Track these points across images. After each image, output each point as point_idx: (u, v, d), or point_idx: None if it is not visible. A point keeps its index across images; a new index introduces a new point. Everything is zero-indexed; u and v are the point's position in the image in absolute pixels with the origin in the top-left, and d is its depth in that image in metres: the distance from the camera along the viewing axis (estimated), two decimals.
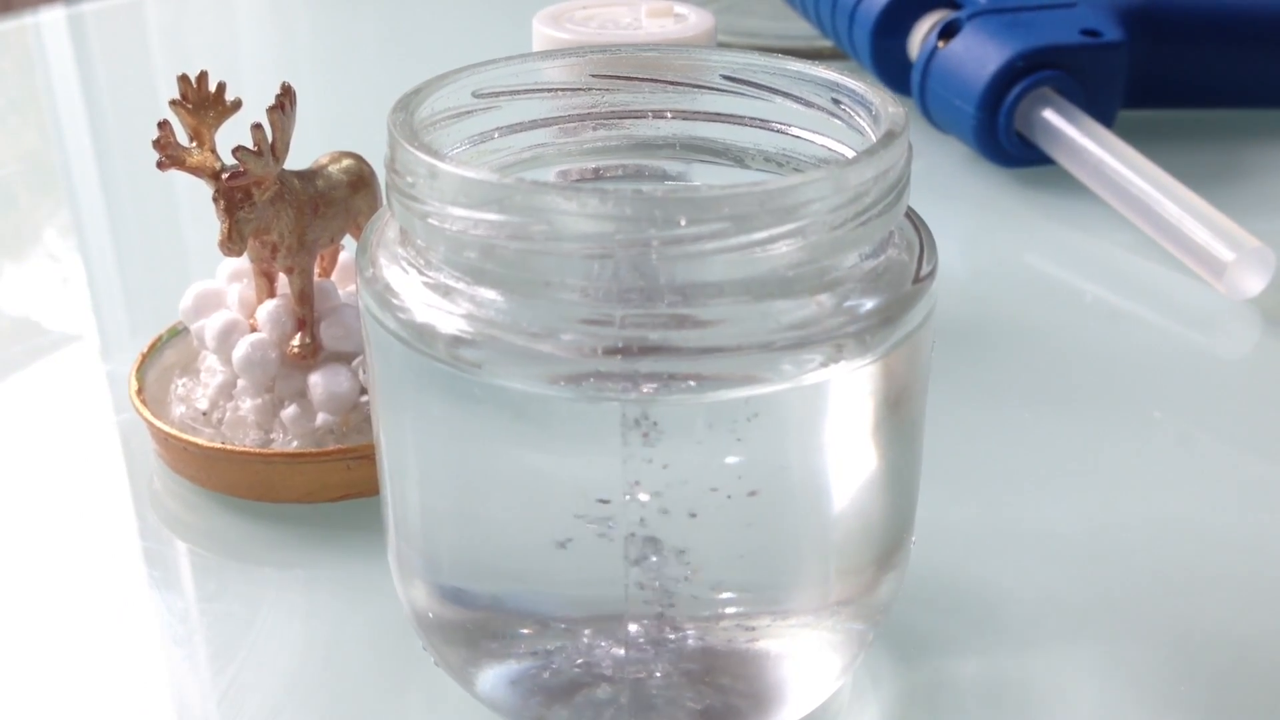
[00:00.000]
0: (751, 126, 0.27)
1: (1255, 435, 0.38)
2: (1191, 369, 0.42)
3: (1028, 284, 0.47)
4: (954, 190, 0.54)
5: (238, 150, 0.31)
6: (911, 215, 0.25)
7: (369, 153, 0.36)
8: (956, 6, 0.56)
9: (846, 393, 0.23)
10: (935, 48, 0.55)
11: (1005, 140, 0.53)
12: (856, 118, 0.25)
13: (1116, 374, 0.41)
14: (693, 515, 0.23)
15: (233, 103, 0.34)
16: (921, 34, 0.57)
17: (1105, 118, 0.53)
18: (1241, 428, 0.39)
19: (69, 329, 0.46)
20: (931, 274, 0.24)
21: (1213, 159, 0.56)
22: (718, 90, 0.27)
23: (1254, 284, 0.44)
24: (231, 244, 0.32)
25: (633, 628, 0.24)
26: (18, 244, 0.54)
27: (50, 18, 0.80)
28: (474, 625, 0.26)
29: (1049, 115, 0.52)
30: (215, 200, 0.32)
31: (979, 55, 0.53)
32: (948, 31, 0.55)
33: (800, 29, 0.67)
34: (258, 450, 0.34)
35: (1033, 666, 0.29)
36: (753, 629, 0.25)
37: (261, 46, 0.82)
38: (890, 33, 0.58)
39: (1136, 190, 0.48)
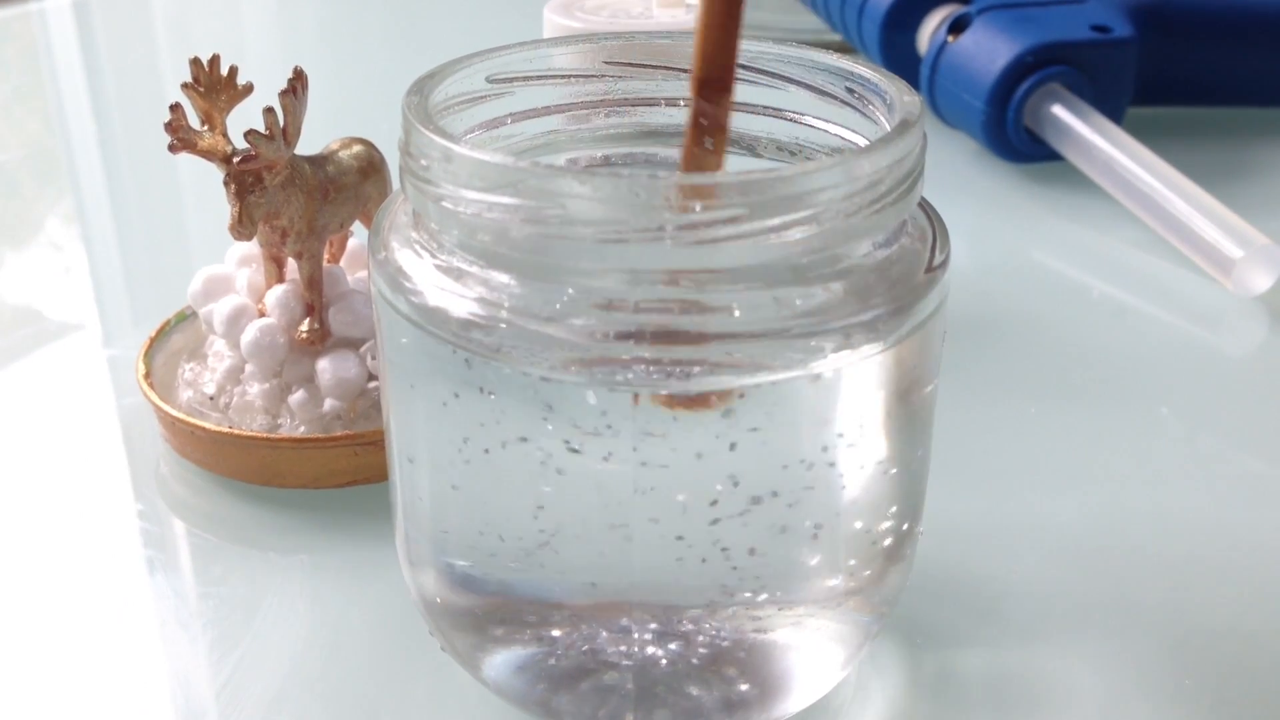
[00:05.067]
0: (764, 115, 0.27)
1: (1261, 432, 0.38)
2: (1198, 366, 0.42)
3: (1035, 279, 0.47)
4: (962, 185, 0.54)
5: (250, 134, 0.31)
6: (924, 205, 0.25)
7: (380, 139, 0.36)
8: (966, 1, 0.56)
9: (857, 381, 0.23)
10: (945, 42, 0.55)
11: (1014, 136, 0.53)
12: (870, 106, 0.25)
13: (1123, 370, 0.41)
14: (701, 503, 0.23)
15: (244, 87, 0.33)
16: (931, 28, 0.57)
17: (1114, 114, 0.53)
18: (1247, 424, 0.39)
19: (72, 316, 0.46)
20: (944, 264, 0.24)
21: (1221, 156, 0.56)
22: None
23: (1262, 281, 0.44)
24: (241, 228, 0.32)
25: (640, 616, 0.24)
26: (21, 232, 0.54)
27: (55, 4, 0.80)
28: (481, 611, 0.25)
29: (1058, 111, 0.52)
30: (226, 184, 0.32)
31: (988, 50, 0.53)
32: (957, 26, 0.55)
33: (809, 23, 0.67)
34: (265, 435, 0.34)
35: (1038, 659, 0.29)
36: (759, 618, 0.25)
37: (268, 34, 0.82)
38: (899, 27, 0.58)
39: (1145, 187, 0.48)
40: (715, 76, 0.24)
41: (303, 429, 0.34)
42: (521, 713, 0.27)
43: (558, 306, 0.22)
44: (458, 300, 0.22)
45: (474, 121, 0.26)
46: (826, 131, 0.27)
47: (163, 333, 0.37)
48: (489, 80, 0.26)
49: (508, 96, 0.27)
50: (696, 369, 0.21)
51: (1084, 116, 0.52)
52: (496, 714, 0.27)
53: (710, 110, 0.24)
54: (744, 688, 0.25)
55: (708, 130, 0.24)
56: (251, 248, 0.36)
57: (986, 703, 0.28)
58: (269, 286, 0.35)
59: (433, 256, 0.23)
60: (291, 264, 0.35)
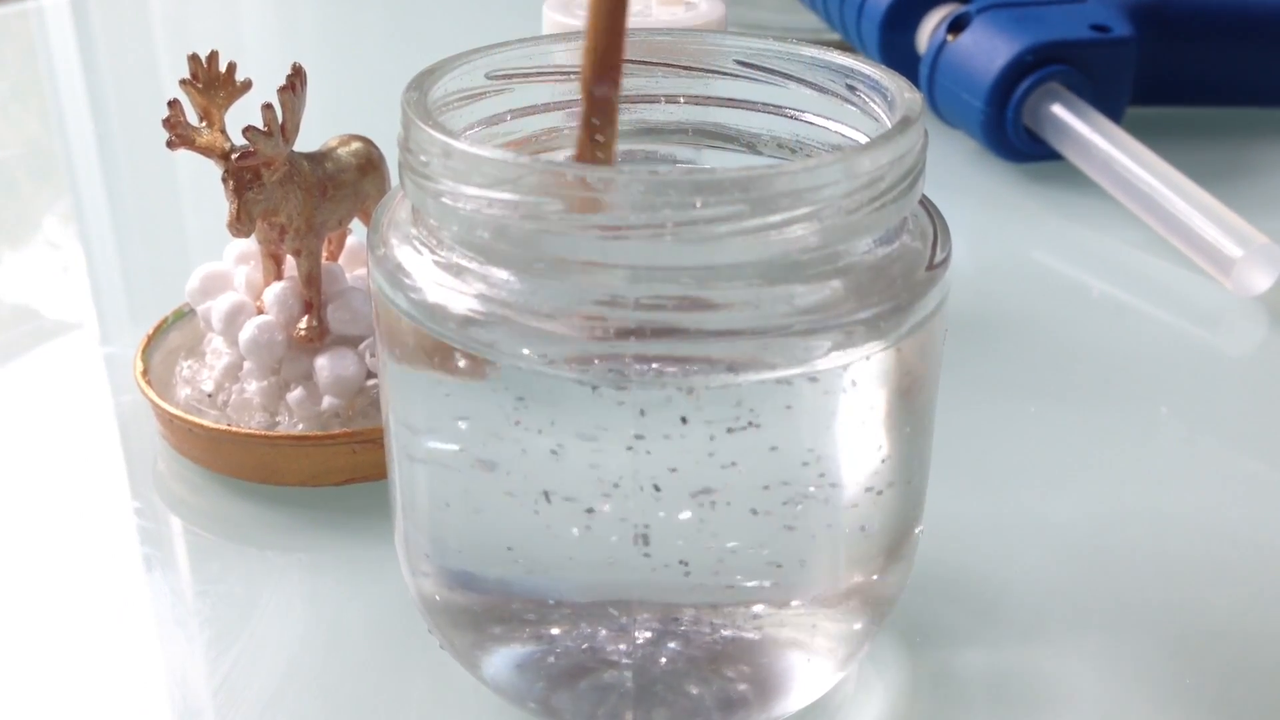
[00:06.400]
0: (765, 112, 0.27)
1: (1261, 431, 0.38)
2: (1198, 365, 0.42)
3: (1035, 279, 0.47)
4: (961, 185, 0.54)
5: (248, 130, 0.31)
6: (926, 203, 0.25)
7: (379, 136, 0.36)
8: (965, 0, 0.56)
9: (857, 379, 0.23)
10: (944, 41, 0.55)
11: (1013, 135, 0.53)
12: (871, 104, 0.25)
13: (1123, 369, 0.41)
14: (701, 501, 0.23)
15: (243, 83, 0.33)
16: (930, 27, 0.57)
17: (1114, 113, 0.53)
18: (1247, 424, 0.39)
19: (69, 314, 0.46)
20: (945, 262, 0.24)
21: (1221, 156, 0.56)
22: (731, 75, 0.27)
23: (1262, 281, 0.44)
24: (239, 225, 0.32)
25: (639, 614, 0.24)
26: (19, 230, 0.54)
27: (53, 2, 0.80)
28: (480, 609, 0.25)
29: (1057, 110, 0.52)
30: (224, 181, 0.32)
31: (988, 49, 0.53)
32: (956, 25, 0.55)
33: (808, 22, 0.67)
34: (263, 433, 0.33)
35: (1038, 658, 0.29)
36: (759, 617, 0.25)
37: (266, 32, 0.82)
38: (899, 26, 0.58)
39: (1145, 186, 0.48)
40: (606, 73, 0.24)
41: (301, 427, 0.34)
42: (520, 711, 0.27)
43: (557, 303, 0.22)
44: (457, 297, 0.22)
45: (473, 118, 0.26)
46: (827, 129, 0.27)
47: (160, 330, 0.37)
48: (488, 77, 0.26)
49: (507, 93, 0.27)
50: (697, 366, 0.21)
51: (1083, 116, 0.51)
52: (495, 712, 0.27)
53: (601, 106, 0.24)
54: (743, 687, 0.25)
55: (599, 129, 0.24)
56: (250, 245, 0.36)
57: (986, 702, 0.28)
58: (267, 284, 0.35)
59: (432, 253, 0.23)
60: (290, 261, 0.35)
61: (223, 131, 0.33)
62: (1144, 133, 0.51)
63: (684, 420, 0.22)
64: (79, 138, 0.63)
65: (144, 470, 0.35)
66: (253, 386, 0.34)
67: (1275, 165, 0.56)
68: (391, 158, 0.28)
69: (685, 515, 0.23)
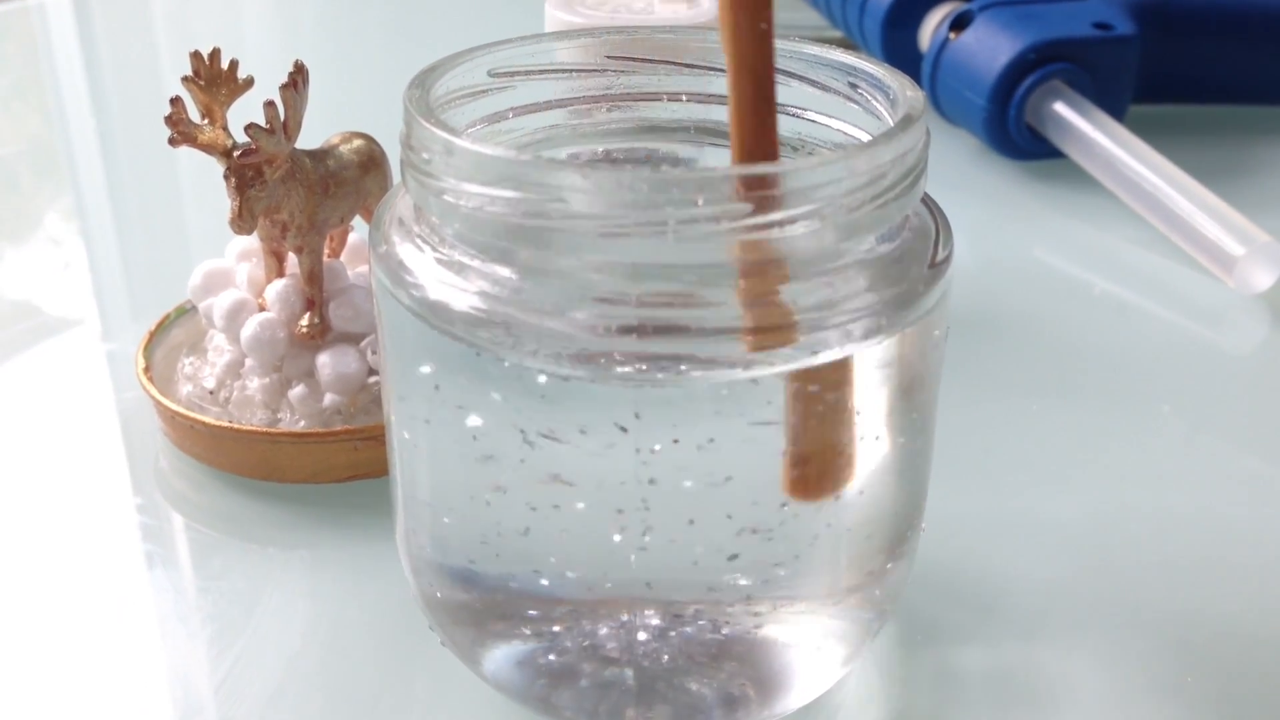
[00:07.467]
0: None
1: (1262, 429, 0.38)
2: (1200, 363, 0.42)
3: (1037, 277, 0.47)
4: (963, 183, 0.54)
5: (250, 127, 0.31)
6: (927, 201, 0.25)
7: (381, 134, 0.36)
8: None
9: (859, 377, 0.23)
10: (946, 39, 0.55)
11: (1015, 133, 0.53)
12: (873, 102, 0.25)
13: (1125, 367, 0.41)
14: (703, 498, 0.23)
15: (245, 80, 0.33)
16: (933, 25, 0.57)
17: (1116, 111, 0.53)
18: (1249, 422, 0.39)
19: (71, 311, 0.46)
20: (947, 259, 0.24)
21: (1223, 154, 0.56)
22: None
23: (1263, 279, 0.44)
24: (241, 222, 0.32)
25: (640, 611, 0.24)
26: (20, 227, 0.54)
27: (55, 0, 0.80)
28: (481, 606, 0.25)
29: (1060, 108, 0.52)
30: (226, 178, 0.32)
31: (990, 47, 0.53)
32: (959, 23, 0.55)
33: (810, 19, 0.66)
34: (264, 430, 0.34)
35: (1039, 656, 0.29)
36: (760, 614, 0.25)
37: (268, 29, 0.82)
38: (901, 24, 0.58)
39: (1147, 184, 0.48)
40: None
41: (302, 424, 0.34)
42: (521, 708, 0.27)
43: (559, 301, 0.22)
44: (459, 294, 0.22)
45: (476, 116, 0.26)
46: (829, 127, 0.27)
47: (162, 327, 0.37)
48: (491, 74, 0.26)
49: (509, 91, 0.27)
50: (698, 364, 0.21)
51: (1086, 114, 0.51)
52: (496, 709, 0.27)
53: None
54: (745, 684, 0.25)
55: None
56: (252, 242, 0.36)
57: (987, 700, 0.28)
58: (269, 281, 0.35)
59: (434, 250, 0.23)
60: (292, 258, 0.35)
61: (225, 129, 0.33)
62: (1146, 131, 0.51)
63: (684, 417, 0.22)
64: (81, 135, 0.63)
65: (146, 467, 0.35)
66: (254, 383, 0.34)
67: (1277, 163, 0.56)
68: (394, 155, 0.28)
69: (686, 512, 0.23)
